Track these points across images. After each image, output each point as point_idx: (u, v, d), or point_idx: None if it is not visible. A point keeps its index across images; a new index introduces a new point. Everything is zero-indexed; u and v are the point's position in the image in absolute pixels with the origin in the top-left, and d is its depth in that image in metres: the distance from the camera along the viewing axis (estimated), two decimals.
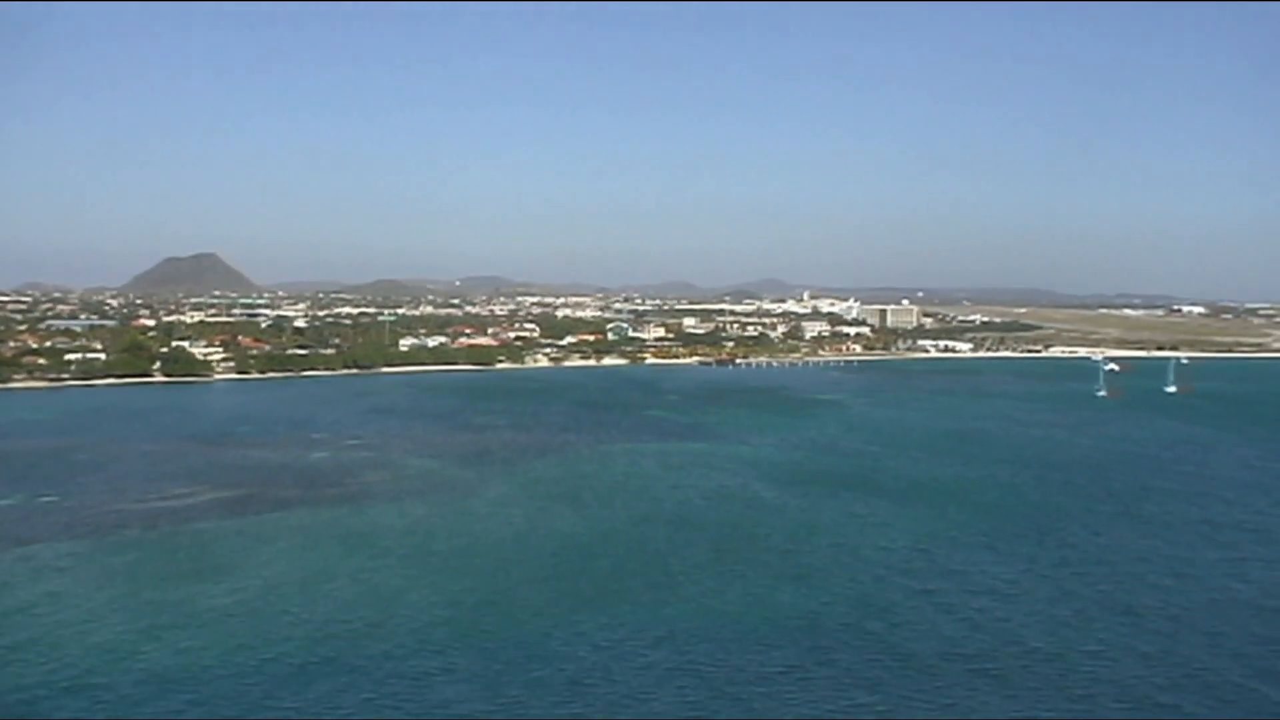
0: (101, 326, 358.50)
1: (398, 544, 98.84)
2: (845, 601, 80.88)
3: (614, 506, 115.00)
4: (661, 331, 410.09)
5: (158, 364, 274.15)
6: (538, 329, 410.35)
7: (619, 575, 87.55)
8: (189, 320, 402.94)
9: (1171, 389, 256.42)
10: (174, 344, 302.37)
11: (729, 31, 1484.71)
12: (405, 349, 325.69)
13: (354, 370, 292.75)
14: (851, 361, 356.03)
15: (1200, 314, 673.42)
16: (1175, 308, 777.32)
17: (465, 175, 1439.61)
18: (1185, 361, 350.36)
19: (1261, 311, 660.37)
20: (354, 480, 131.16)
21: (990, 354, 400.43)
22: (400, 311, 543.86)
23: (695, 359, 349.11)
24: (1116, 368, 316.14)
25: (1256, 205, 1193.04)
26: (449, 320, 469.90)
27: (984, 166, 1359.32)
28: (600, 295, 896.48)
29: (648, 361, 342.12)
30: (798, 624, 75.45)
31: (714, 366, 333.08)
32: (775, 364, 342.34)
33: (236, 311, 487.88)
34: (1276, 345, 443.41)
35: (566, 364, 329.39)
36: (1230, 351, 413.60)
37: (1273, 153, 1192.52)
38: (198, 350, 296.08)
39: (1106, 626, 75.71)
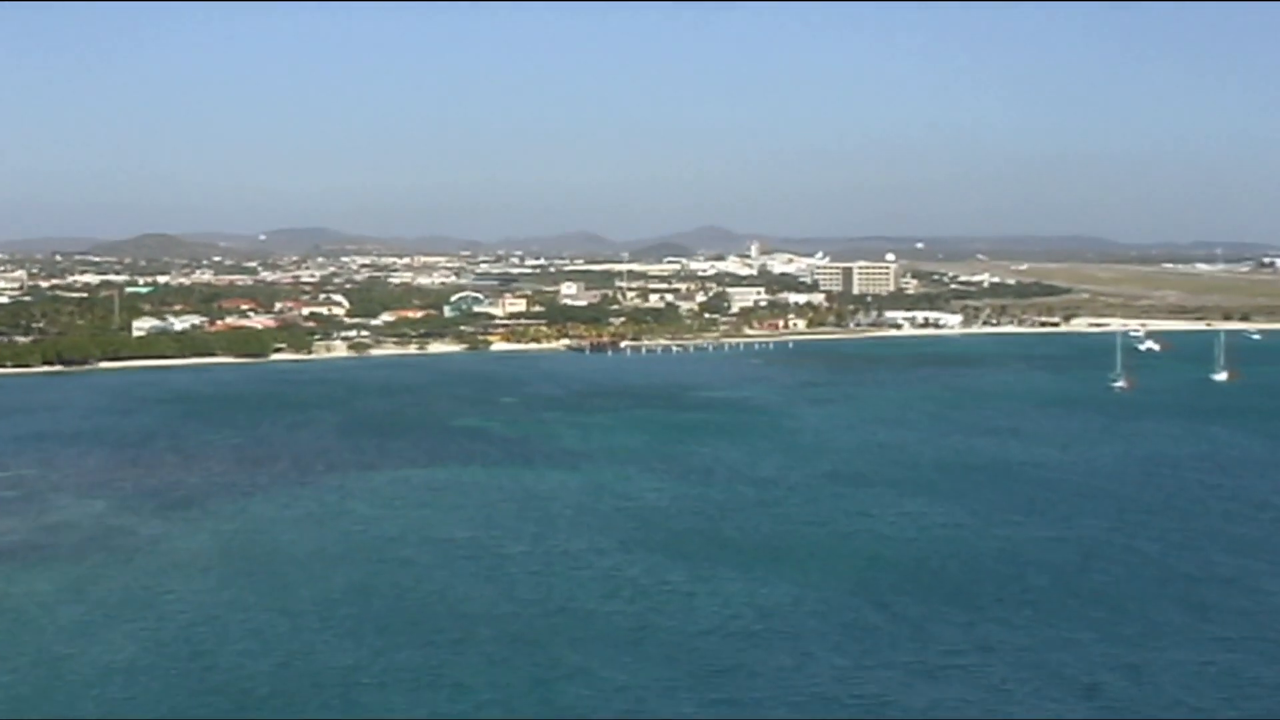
0: None
1: None
2: None
3: (316, 583, 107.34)
4: (521, 305, 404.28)
5: None
6: (346, 303, 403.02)
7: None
8: None
9: (1221, 376, 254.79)
10: None
11: None
12: (140, 334, 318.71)
13: (58, 367, 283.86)
14: (786, 343, 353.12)
15: None
16: (1267, 260, 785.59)
17: (276, 88, 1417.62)
18: (1257, 336, 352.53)
19: None
20: None
21: (989, 329, 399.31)
22: (162, 280, 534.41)
23: (564, 342, 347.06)
24: (1156, 347, 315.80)
25: None
26: (226, 291, 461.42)
27: (1013, 70, 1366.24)
28: (467, 253, 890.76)
29: (494, 347, 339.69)
30: None
31: (587, 353, 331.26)
32: (677, 348, 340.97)
33: None
34: None
35: (375, 353, 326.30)
36: None
37: None
38: None
39: None
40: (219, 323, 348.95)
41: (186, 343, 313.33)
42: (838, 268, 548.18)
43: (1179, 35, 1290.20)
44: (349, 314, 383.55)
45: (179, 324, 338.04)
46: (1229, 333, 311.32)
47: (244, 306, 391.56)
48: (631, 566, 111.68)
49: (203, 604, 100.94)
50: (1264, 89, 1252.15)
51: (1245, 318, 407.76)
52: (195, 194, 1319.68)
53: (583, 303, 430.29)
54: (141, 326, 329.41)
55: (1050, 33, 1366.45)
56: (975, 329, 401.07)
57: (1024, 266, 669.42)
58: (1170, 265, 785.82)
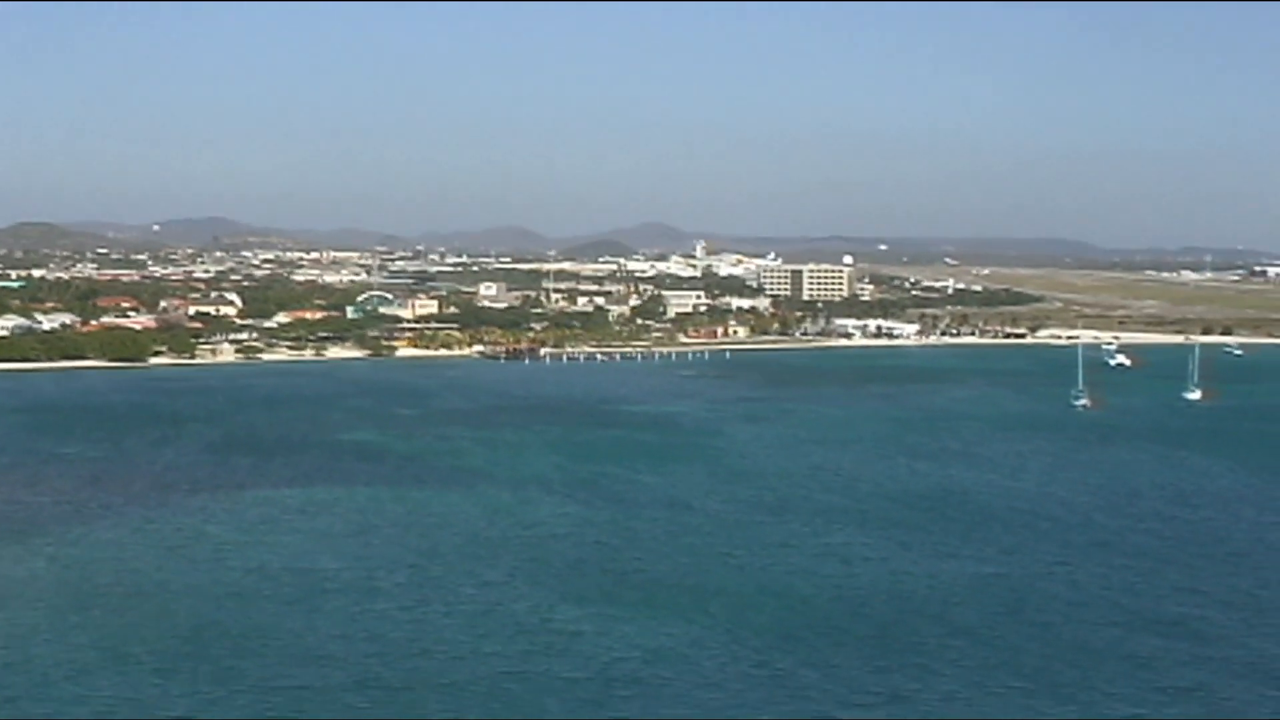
0: None
1: None
2: None
3: (157, 619, 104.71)
4: (433, 307, 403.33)
5: None
6: (239, 303, 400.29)
7: None
8: None
9: (1194, 395, 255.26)
10: None
11: None
12: (2, 334, 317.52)
13: None
14: (724, 353, 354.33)
15: None
16: (1259, 269, 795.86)
17: (173, 60, 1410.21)
18: (1238, 352, 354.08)
19: None
20: None
21: (948, 340, 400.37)
22: (38, 274, 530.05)
23: (478, 349, 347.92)
24: (1127, 361, 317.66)
25: None
26: (106, 288, 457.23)
27: (990, 59, 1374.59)
28: (383, 249, 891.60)
29: (400, 353, 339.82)
30: None
31: (502, 361, 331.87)
32: (602, 357, 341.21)
33: None
34: None
35: (267, 358, 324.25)
36: None
37: None
38: None
39: None
40: (93, 322, 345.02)
41: (54, 344, 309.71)
42: (787, 271, 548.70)
43: (1169, 24, 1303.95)
44: (241, 314, 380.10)
45: (47, 323, 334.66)
46: (1208, 348, 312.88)
47: (124, 305, 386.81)
48: (516, 602, 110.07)
49: (23, 642, 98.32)
50: (1261, 86, 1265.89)
51: (1228, 331, 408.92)
52: (81, 179, 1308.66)
53: (502, 305, 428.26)
54: (4, 325, 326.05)
55: (1030, 20, 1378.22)
56: (933, 340, 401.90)
57: (986, 271, 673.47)
58: (1154, 273, 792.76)
